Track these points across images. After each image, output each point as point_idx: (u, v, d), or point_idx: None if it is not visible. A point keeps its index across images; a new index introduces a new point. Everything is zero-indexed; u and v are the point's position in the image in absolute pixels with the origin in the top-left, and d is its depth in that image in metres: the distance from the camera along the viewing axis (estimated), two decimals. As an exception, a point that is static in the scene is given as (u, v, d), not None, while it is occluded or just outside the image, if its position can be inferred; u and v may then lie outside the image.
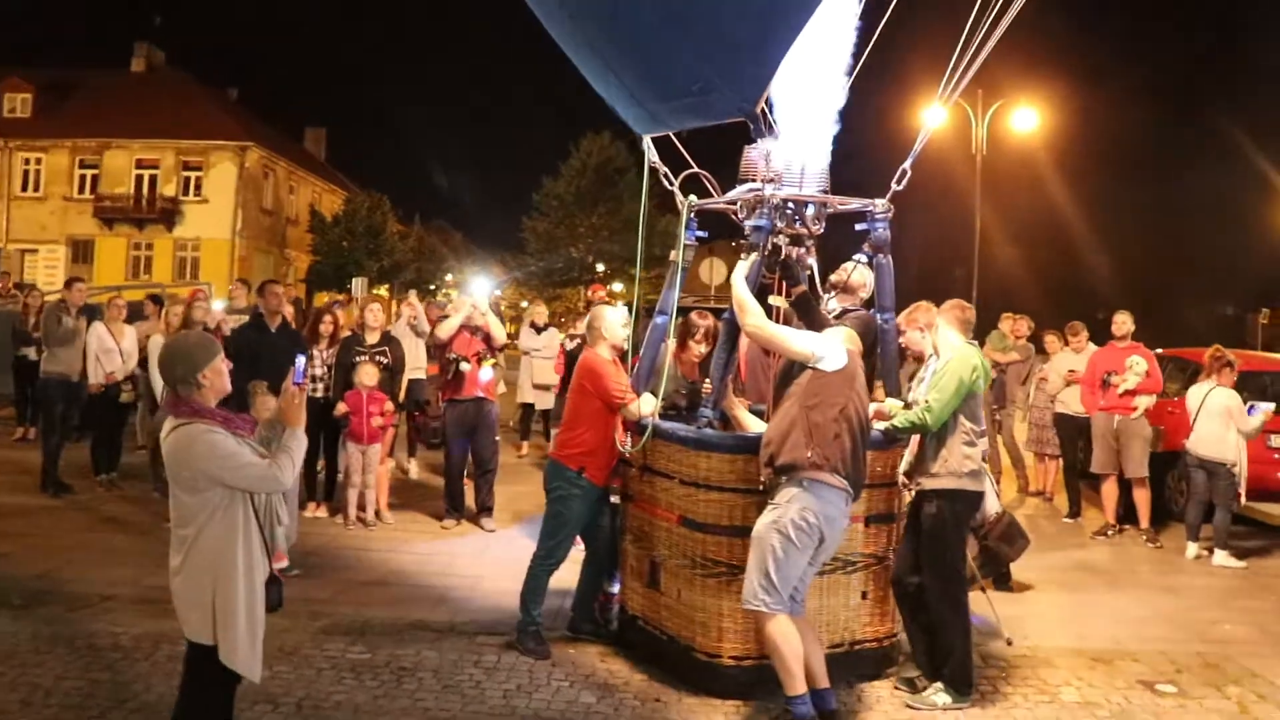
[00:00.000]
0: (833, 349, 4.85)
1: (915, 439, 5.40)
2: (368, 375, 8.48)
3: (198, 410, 3.55)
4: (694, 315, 6.14)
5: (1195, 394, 8.97)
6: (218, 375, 3.65)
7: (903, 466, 5.59)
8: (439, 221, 55.53)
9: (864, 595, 5.44)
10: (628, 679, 5.37)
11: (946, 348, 5.30)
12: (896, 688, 5.34)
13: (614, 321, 5.84)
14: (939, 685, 5.17)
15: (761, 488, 4.85)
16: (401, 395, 9.36)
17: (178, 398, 3.58)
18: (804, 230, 5.64)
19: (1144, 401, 9.27)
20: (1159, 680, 5.69)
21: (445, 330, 8.74)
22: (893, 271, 5.72)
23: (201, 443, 3.47)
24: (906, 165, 5.61)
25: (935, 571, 5.17)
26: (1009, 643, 6.01)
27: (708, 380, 5.57)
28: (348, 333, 9.08)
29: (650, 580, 5.60)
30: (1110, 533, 9.45)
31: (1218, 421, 8.70)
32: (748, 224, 5.52)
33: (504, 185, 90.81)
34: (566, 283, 45.06)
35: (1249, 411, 8.81)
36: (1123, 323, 9.68)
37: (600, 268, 44.88)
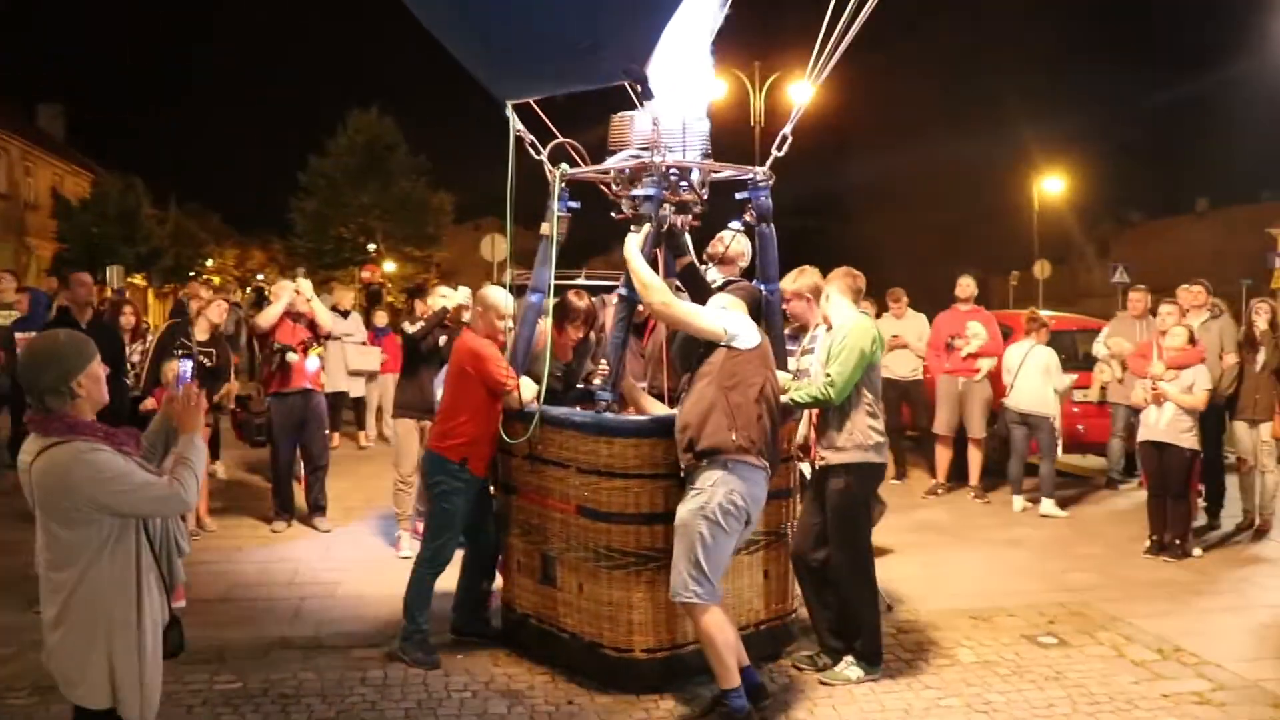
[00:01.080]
0: (744, 326, 4.66)
1: (809, 412, 5.29)
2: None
3: (73, 426, 2.94)
4: (571, 296, 5.79)
5: (1015, 353, 9.38)
6: (95, 382, 3.05)
7: (797, 440, 5.49)
8: (192, 204, 51.94)
9: (766, 574, 5.29)
10: (531, 683, 5.02)
11: (840, 318, 5.19)
12: (797, 667, 5.23)
13: (500, 302, 5.43)
14: (849, 659, 5.11)
15: (682, 474, 4.61)
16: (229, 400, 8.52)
17: (47, 412, 2.95)
18: (690, 197, 5.40)
19: (986, 364, 9.62)
20: (1038, 633, 5.86)
21: (267, 319, 8.01)
22: (775, 240, 5.58)
23: (83, 465, 2.87)
24: (787, 130, 5.42)
25: (844, 546, 5.09)
26: (889, 609, 6.05)
27: (603, 361, 5.26)
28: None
29: (543, 576, 5.26)
30: (940, 491, 9.80)
31: (1038, 378, 9.14)
32: (637, 193, 5.22)
33: (267, 164, 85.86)
34: (337, 264, 43.20)
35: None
36: (965, 285, 10.01)
37: (372, 247, 43.29)
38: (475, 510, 5.45)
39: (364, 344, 12.52)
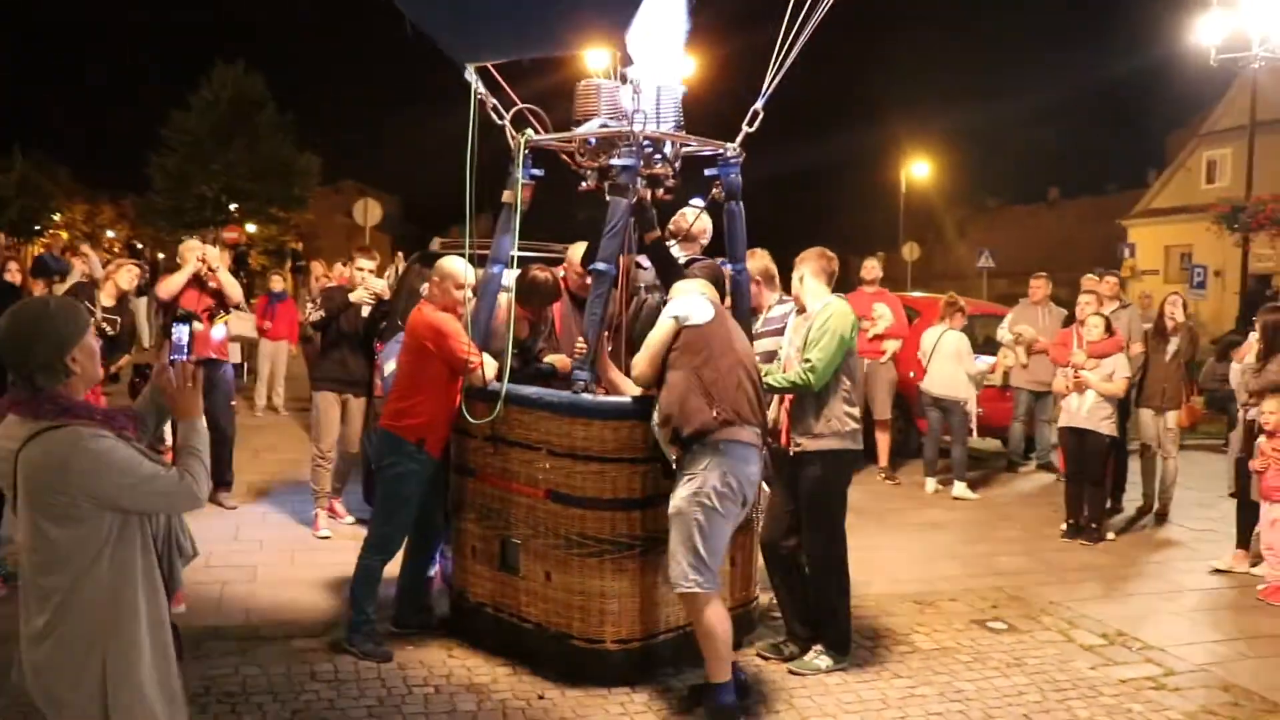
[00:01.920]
0: (693, 304, 4.50)
1: (779, 397, 5.15)
2: None
3: (68, 407, 2.54)
4: (535, 271, 5.50)
5: (929, 337, 9.48)
6: (90, 357, 2.66)
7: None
8: (37, 153, 48.57)
9: (733, 561, 5.15)
10: (493, 675, 4.76)
11: (816, 301, 5.06)
12: (762, 656, 5.12)
13: (457, 271, 5.10)
14: (819, 649, 5.01)
15: (674, 465, 4.43)
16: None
17: (35, 391, 2.55)
18: (663, 170, 5.18)
19: (891, 345, 9.69)
20: (986, 619, 5.89)
21: (170, 287, 7.43)
22: (744, 219, 5.42)
23: (83, 453, 2.48)
24: (758, 106, 5.24)
25: (819, 534, 4.99)
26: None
27: (581, 340, 5.00)
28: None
29: (503, 563, 4.99)
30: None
31: (950, 362, 9.25)
32: (616, 162, 4.96)
33: (121, 118, 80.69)
34: (197, 223, 41.20)
35: (976, 360, 9.49)
36: (871, 268, 10.06)
37: (234, 207, 41.39)
38: (427, 495, 5.14)
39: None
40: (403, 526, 5.07)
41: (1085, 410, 7.79)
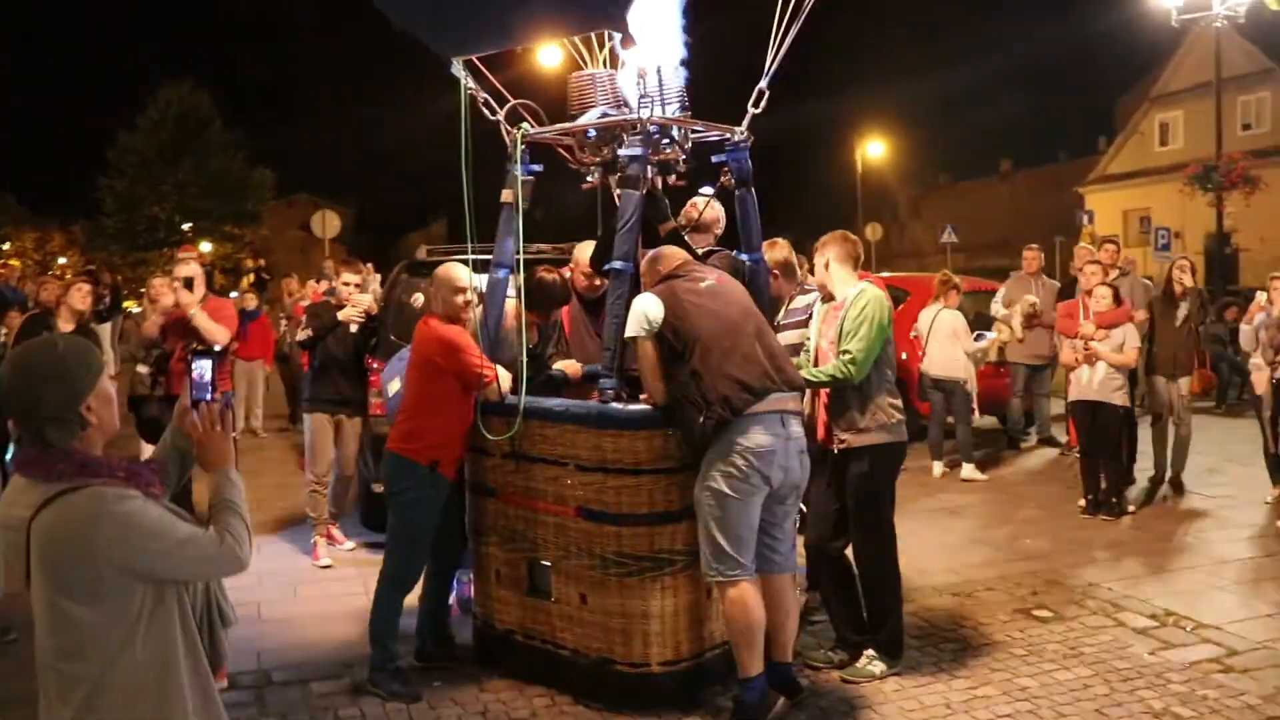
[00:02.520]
0: (639, 311, 4.29)
1: (813, 392, 4.88)
2: None
3: (86, 464, 2.21)
4: (542, 273, 5.19)
5: (924, 317, 9.27)
6: (107, 405, 2.32)
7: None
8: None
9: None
10: (533, 709, 4.45)
11: (847, 288, 4.79)
12: (811, 666, 4.83)
13: (458, 276, 4.77)
14: (870, 654, 4.76)
15: None
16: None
17: (46, 449, 2.22)
18: (673, 155, 4.88)
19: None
20: (1029, 607, 5.67)
21: (150, 330, 6.92)
22: (757, 205, 5.14)
23: (109, 518, 2.15)
24: (764, 85, 4.94)
25: (869, 533, 4.74)
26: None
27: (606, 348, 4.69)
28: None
29: (532, 587, 4.69)
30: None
31: (947, 342, 9.04)
32: (624, 152, 4.66)
33: (65, 142, 78.69)
34: (151, 245, 40.40)
35: (975, 338, 9.28)
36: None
37: (187, 227, 40.60)
38: (444, 519, 4.82)
39: None
40: (420, 555, 4.75)
41: (1097, 382, 7.60)
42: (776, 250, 5.34)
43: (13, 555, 2.21)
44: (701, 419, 4.09)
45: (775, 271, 5.28)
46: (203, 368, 2.51)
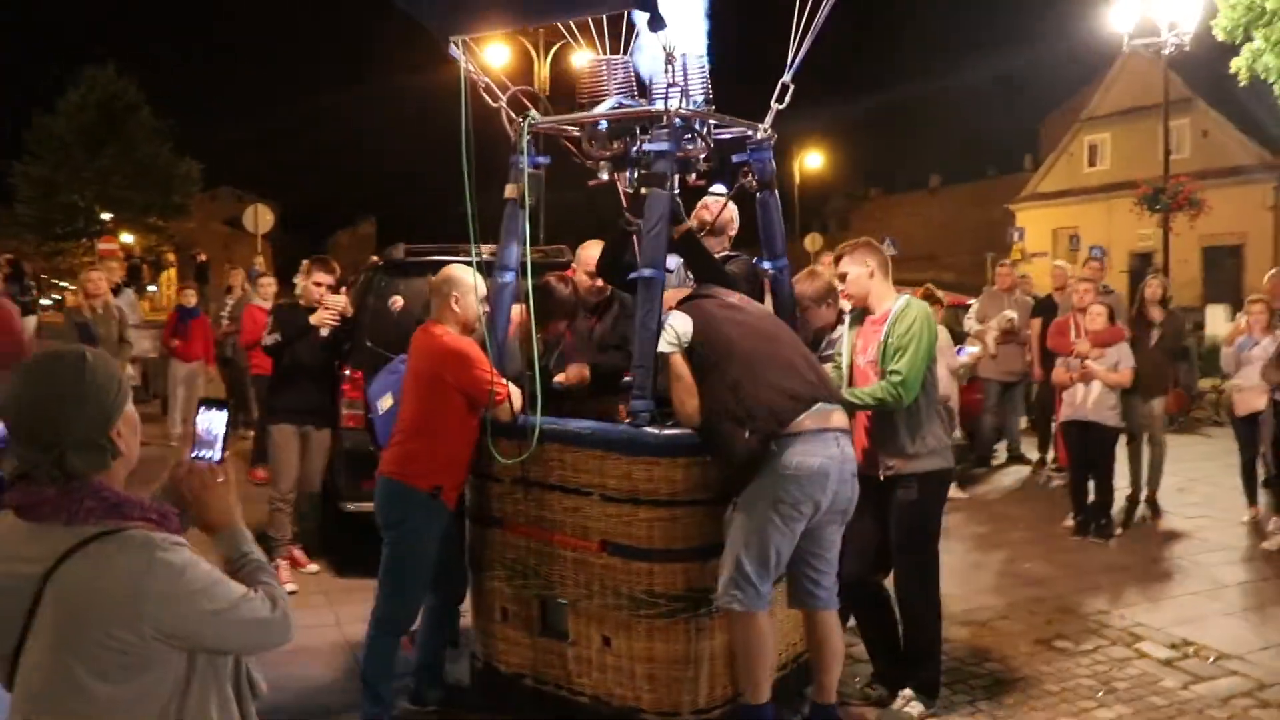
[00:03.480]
0: (671, 325, 4.01)
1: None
2: None
3: (124, 505, 1.81)
4: (552, 279, 4.81)
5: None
6: (134, 431, 1.95)
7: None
8: None
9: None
10: (549, 762, 4.07)
11: (889, 301, 4.46)
12: (845, 702, 4.48)
13: (480, 285, 4.37)
14: (908, 694, 4.46)
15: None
16: None
17: (69, 483, 1.81)
18: (695, 151, 4.50)
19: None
20: (1048, 637, 5.44)
21: None
22: (780, 209, 4.81)
23: (161, 571, 1.76)
24: (787, 78, 4.54)
25: (914, 564, 4.45)
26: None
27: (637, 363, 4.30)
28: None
29: (544, 627, 4.30)
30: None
31: (929, 358, 8.81)
32: (651, 147, 4.28)
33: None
34: (68, 235, 38.75)
35: (958, 353, 9.07)
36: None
37: (108, 217, 39.02)
38: (443, 551, 4.40)
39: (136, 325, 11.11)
40: (419, 592, 4.32)
41: (1091, 401, 7.44)
42: (818, 280, 4.99)
43: (6, 625, 1.78)
44: (746, 434, 3.75)
45: (810, 303, 4.90)
46: (212, 422, 2.10)
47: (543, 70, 24.68)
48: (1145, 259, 30.24)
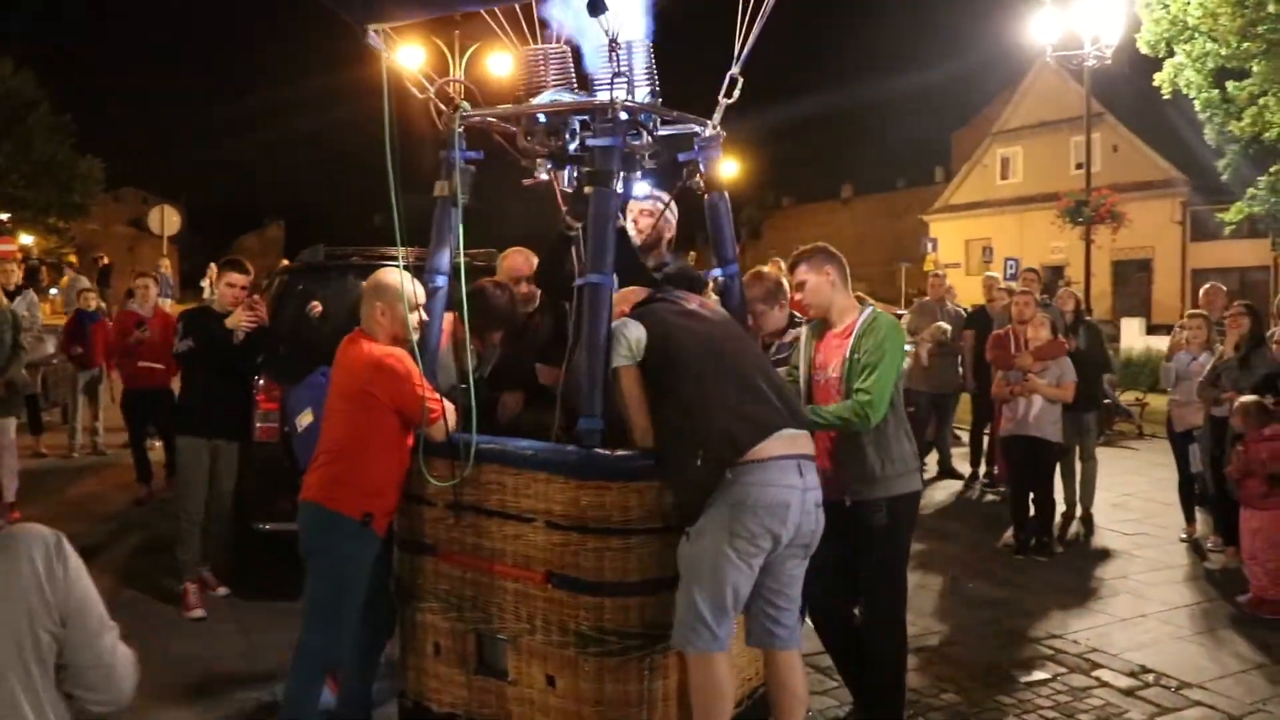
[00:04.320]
0: (622, 336, 3.70)
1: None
2: None
3: None
4: (488, 285, 4.44)
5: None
6: None
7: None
8: None
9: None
10: (486, 815, 3.71)
11: (853, 312, 4.20)
12: None
13: (411, 292, 3.98)
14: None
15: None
16: None
17: None
18: (639, 148, 4.14)
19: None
20: (1004, 664, 5.24)
21: None
22: (730, 210, 4.50)
23: None
24: (735, 71, 4.20)
25: (885, 594, 4.20)
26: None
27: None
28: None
29: (480, 664, 3.94)
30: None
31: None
32: (595, 142, 3.95)
33: None
34: (-38, 234, 36.98)
35: None
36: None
37: (5, 217, 37.31)
38: (371, 579, 4.01)
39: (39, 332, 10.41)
40: (348, 625, 3.92)
41: (1033, 416, 7.31)
42: (766, 280, 4.70)
43: None
44: (699, 461, 3.46)
45: (761, 305, 4.62)
46: None
47: (457, 73, 24.25)
48: (1057, 271, 30.82)
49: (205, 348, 5.73)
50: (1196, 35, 13.48)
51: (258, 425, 5.94)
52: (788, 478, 3.52)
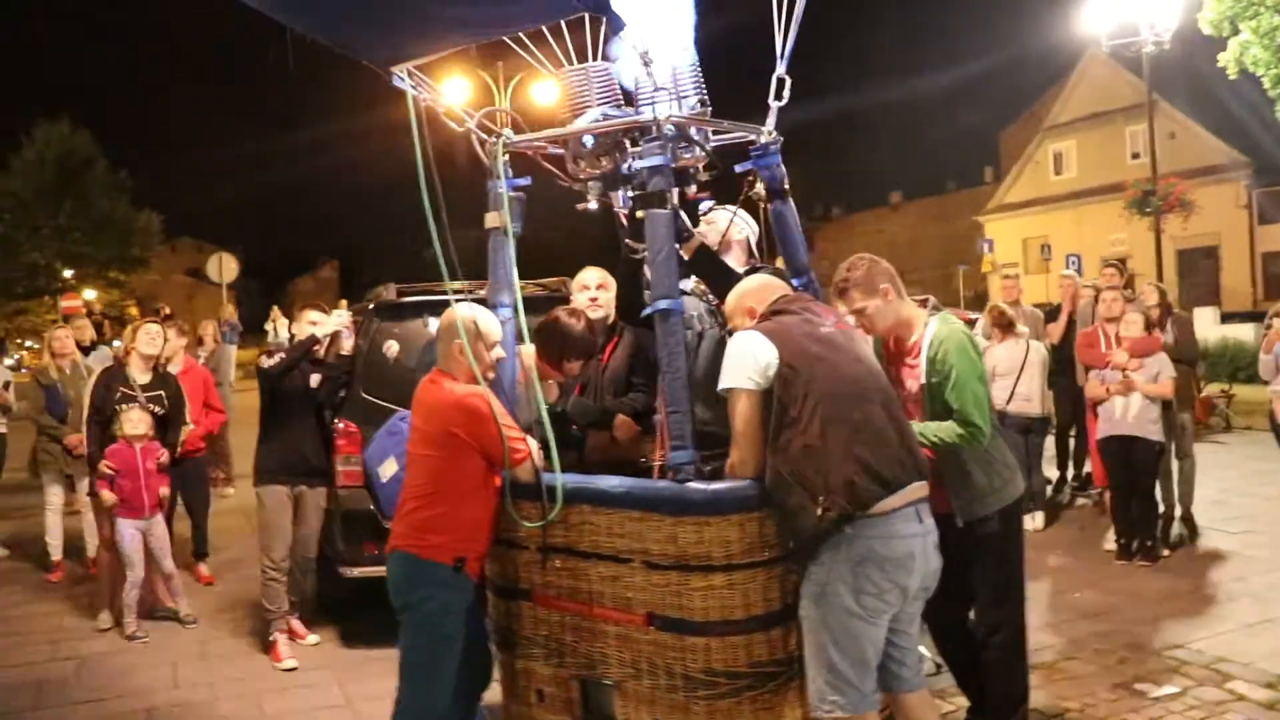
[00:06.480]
0: (744, 352, 3.44)
1: None
2: (136, 423, 6.31)
3: None
4: (563, 315, 4.29)
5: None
6: None
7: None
8: None
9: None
10: None
11: (921, 326, 3.97)
12: None
13: (493, 329, 3.85)
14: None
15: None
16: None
17: None
18: (692, 160, 3.98)
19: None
20: (1126, 680, 4.95)
21: None
22: (797, 219, 4.30)
23: None
24: (782, 72, 3.98)
25: (1004, 604, 4.05)
26: (939, 668, 4.94)
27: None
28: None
29: (587, 711, 3.77)
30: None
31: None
32: (641, 164, 3.78)
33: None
34: (31, 293, 37.93)
35: None
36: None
37: (69, 274, 38.25)
38: (468, 627, 3.87)
39: None
40: (449, 678, 3.75)
41: (1132, 415, 7.00)
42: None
43: None
44: (820, 511, 3.23)
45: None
46: None
47: (502, 103, 24.32)
48: (1121, 262, 30.12)
49: (296, 362, 5.68)
50: (1263, 9, 13.06)
51: (339, 469, 5.86)
52: (909, 527, 3.35)
